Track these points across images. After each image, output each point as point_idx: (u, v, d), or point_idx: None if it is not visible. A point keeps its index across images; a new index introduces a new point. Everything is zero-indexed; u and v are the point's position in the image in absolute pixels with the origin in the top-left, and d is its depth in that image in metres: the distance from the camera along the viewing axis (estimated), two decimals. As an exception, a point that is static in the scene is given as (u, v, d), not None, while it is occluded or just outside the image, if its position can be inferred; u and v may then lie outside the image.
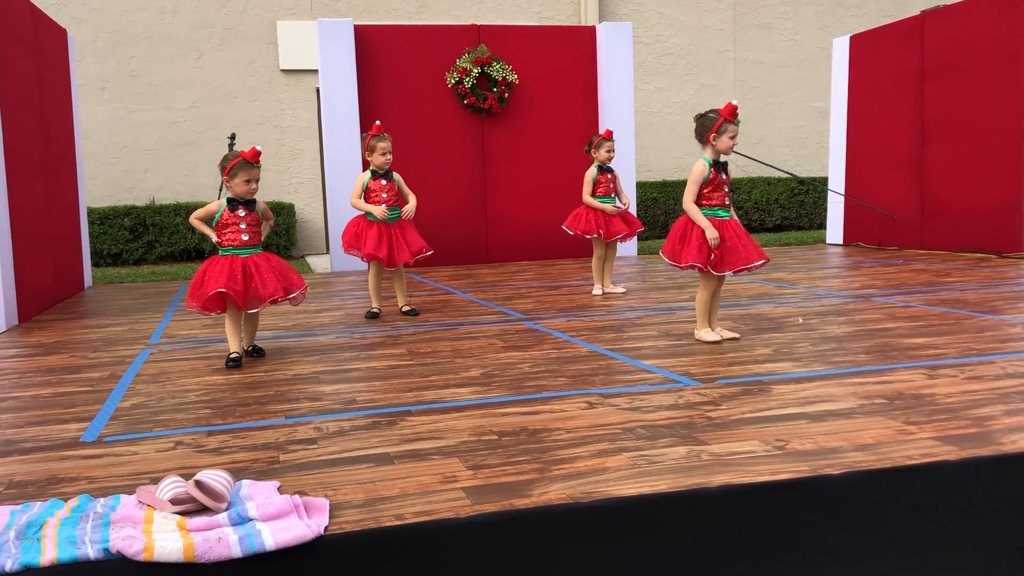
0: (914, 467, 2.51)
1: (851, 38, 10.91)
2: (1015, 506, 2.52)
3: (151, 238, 12.09)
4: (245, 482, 2.50)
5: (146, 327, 5.88)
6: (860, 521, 2.42)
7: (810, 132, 15.43)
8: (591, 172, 6.62)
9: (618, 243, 6.82)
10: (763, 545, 2.35)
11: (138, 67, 12.97)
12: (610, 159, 6.63)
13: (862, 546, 2.41)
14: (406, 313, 5.98)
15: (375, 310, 5.93)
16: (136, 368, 4.44)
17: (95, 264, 11.84)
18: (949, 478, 2.51)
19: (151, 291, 8.34)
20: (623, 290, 6.82)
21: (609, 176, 6.65)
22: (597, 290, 6.76)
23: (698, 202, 4.51)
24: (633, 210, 10.41)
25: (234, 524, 2.17)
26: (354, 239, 5.88)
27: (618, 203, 6.65)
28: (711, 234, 4.38)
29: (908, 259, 8.81)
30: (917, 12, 10.23)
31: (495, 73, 9.98)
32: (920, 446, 2.69)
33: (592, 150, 6.65)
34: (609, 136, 6.65)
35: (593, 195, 6.62)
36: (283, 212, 12.45)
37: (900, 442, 2.74)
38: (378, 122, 5.98)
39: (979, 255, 8.85)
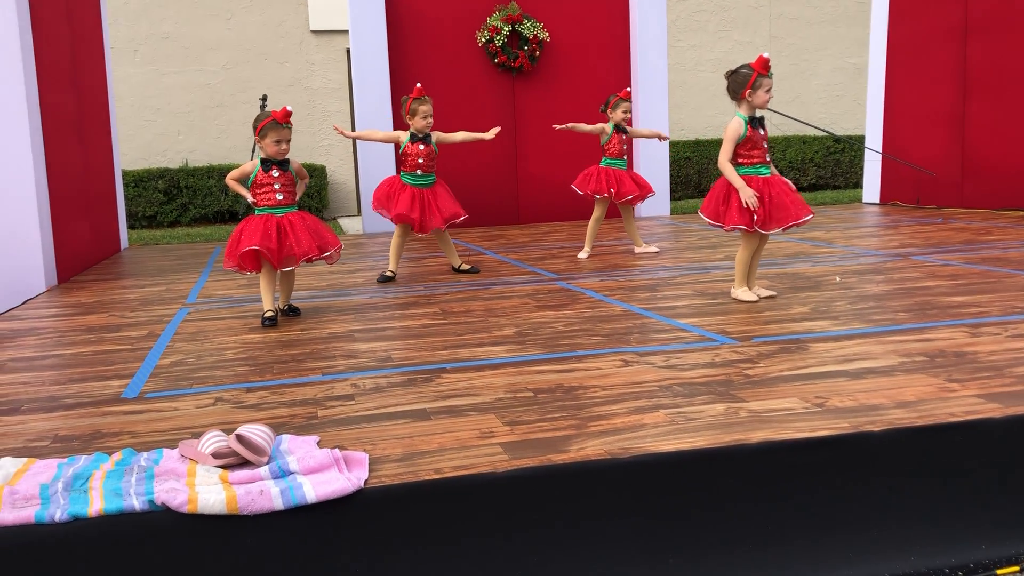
0: (957, 424, 2.48)
1: (891, -9, 10.63)
2: (1060, 464, 2.49)
3: (185, 200, 12.18)
4: (285, 436, 2.53)
5: (182, 287, 5.95)
6: (902, 478, 2.39)
7: (846, 89, 15.13)
8: (605, 127, 6.48)
9: (631, 205, 6.67)
10: (803, 501, 2.34)
11: (169, 29, 12.98)
12: (626, 120, 6.49)
13: (903, 502, 2.39)
14: (466, 271, 5.97)
15: (390, 273, 5.86)
16: (174, 327, 4.49)
17: (130, 226, 11.97)
18: (993, 435, 2.47)
19: (186, 252, 8.42)
20: (657, 250, 6.77)
21: (624, 136, 6.53)
22: (583, 253, 6.66)
23: (738, 161, 4.43)
24: (665, 170, 10.31)
25: (275, 477, 2.20)
26: (385, 199, 5.85)
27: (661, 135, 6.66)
28: (745, 195, 4.30)
29: (947, 217, 8.65)
30: (960, -37, 9.93)
31: (526, 31, 9.86)
32: (963, 403, 2.65)
33: (608, 110, 6.50)
34: (627, 97, 6.48)
35: (604, 155, 6.53)
36: (314, 174, 12.47)
37: (942, 399, 2.70)
38: (419, 84, 5.89)
39: (1021, 213, 8.67)
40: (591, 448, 2.38)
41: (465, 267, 6.03)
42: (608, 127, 6.48)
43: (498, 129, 6.01)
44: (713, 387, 2.96)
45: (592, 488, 2.26)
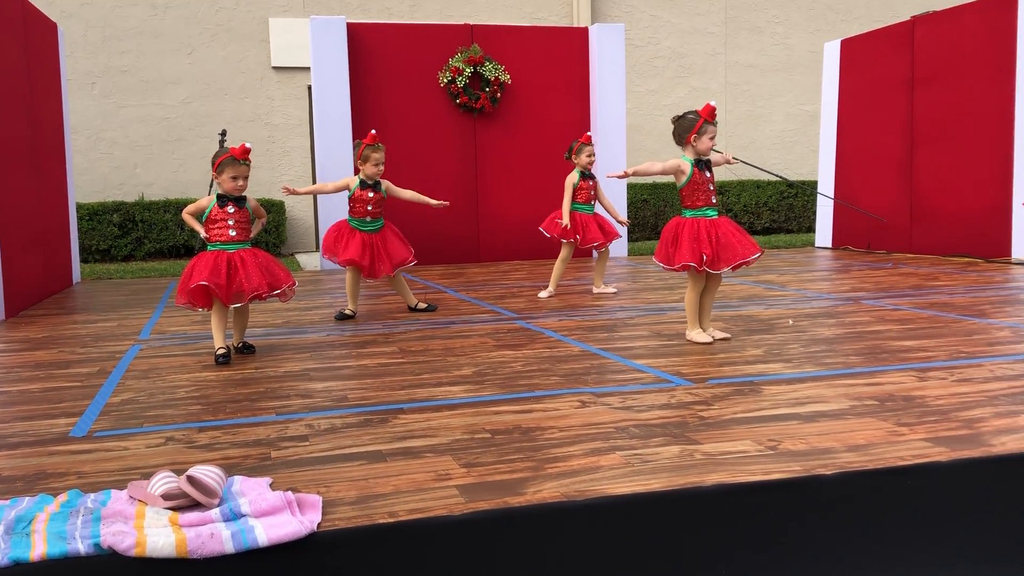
0: (906, 468, 2.52)
1: (842, 42, 10.96)
2: (1005, 507, 2.54)
3: (140, 234, 12.03)
4: (237, 478, 2.49)
5: (135, 323, 5.85)
6: (853, 521, 2.42)
7: (800, 136, 15.48)
8: (572, 178, 6.60)
9: (609, 246, 6.83)
10: (756, 544, 2.36)
11: (129, 62, 12.90)
12: (591, 164, 6.61)
13: (855, 545, 2.42)
14: (422, 310, 5.95)
15: (349, 312, 5.82)
16: (125, 364, 4.41)
17: (83, 260, 11.77)
18: (940, 479, 2.52)
19: (140, 287, 8.30)
20: (614, 290, 6.83)
21: (591, 183, 6.64)
22: (544, 292, 6.72)
23: (684, 204, 4.53)
24: (624, 211, 10.43)
25: (227, 520, 2.16)
26: (334, 244, 5.79)
27: (619, 221, 6.73)
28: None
29: (897, 263, 8.85)
30: (907, 17, 10.29)
31: (488, 73, 9.98)
32: (911, 447, 2.70)
33: (572, 156, 6.62)
34: (589, 141, 6.62)
35: (574, 201, 6.61)
36: (273, 210, 12.41)
37: (891, 443, 2.75)
38: (373, 131, 5.90)
39: (966, 259, 8.90)
40: (548, 491, 2.38)
41: (421, 306, 6.01)
42: (575, 175, 6.58)
43: (447, 203, 6.05)
44: (669, 429, 2.98)
45: (549, 531, 2.25)
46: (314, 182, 13.26)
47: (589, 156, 6.56)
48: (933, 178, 9.55)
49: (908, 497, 2.48)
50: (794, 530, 2.39)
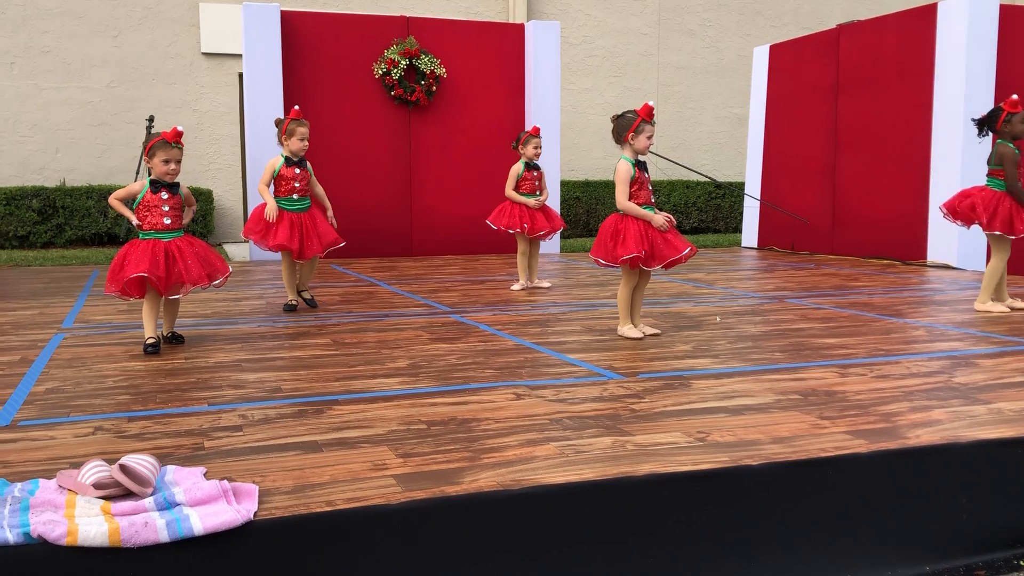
0: (828, 459, 2.63)
1: (771, 48, 11.23)
2: (919, 496, 2.67)
3: (60, 221, 11.66)
4: (170, 467, 2.47)
5: (58, 311, 5.69)
6: (778, 509, 2.52)
7: (728, 138, 15.81)
8: (517, 168, 6.70)
9: (541, 240, 6.92)
10: (686, 532, 2.43)
11: (50, 43, 12.48)
12: (537, 156, 6.71)
13: (780, 533, 2.51)
14: (306, 300, 5.83)
15: (293, 303, 5.76)
16: (49, 352, 4.30)
17: (-1, 246, 11.38)
18: (860, 470, 2.63)
19: (61, 275, 8.06)
20: (548, 284, 6.91)
21: (535, 173, 6.73)
22: (517, 285, 6.84)
23: None
24: (556, 208, 10.52)
25: (161, 509, 2.14)
26: (256, 225, 5.65)
27: (539, 196, 6.73)
28: (658, 222, 4.48)
29: (819, 263, 9.13)
30: (833, 26, 10.60)
31: (423, 66, 9.95)
32: (833, 440, 2.81)
33: (520, 146, 6.71)
34: (536, 133, 6.72)
35: (518, 191, 6.69)
36: (200, 198, 12.15)
37: (814, 436, 2.86)
38: (297, 107, 5.85)
39: (885, 261, 9.23)
40: (484, 480, 2.41)
41: (307, 296, 5.90)
42: (519, 166, 6.66)
43: (334, 224, 5.87)
44: (601, 421, 3.04)
45: (485, 519, 2.29)
46: (243, 170, 13.06)
47: (536, 148, 6.67)
48: (855, 183, 9.88)
49: (830, 487, 2.59)
50: (722, 518, 2.47)
